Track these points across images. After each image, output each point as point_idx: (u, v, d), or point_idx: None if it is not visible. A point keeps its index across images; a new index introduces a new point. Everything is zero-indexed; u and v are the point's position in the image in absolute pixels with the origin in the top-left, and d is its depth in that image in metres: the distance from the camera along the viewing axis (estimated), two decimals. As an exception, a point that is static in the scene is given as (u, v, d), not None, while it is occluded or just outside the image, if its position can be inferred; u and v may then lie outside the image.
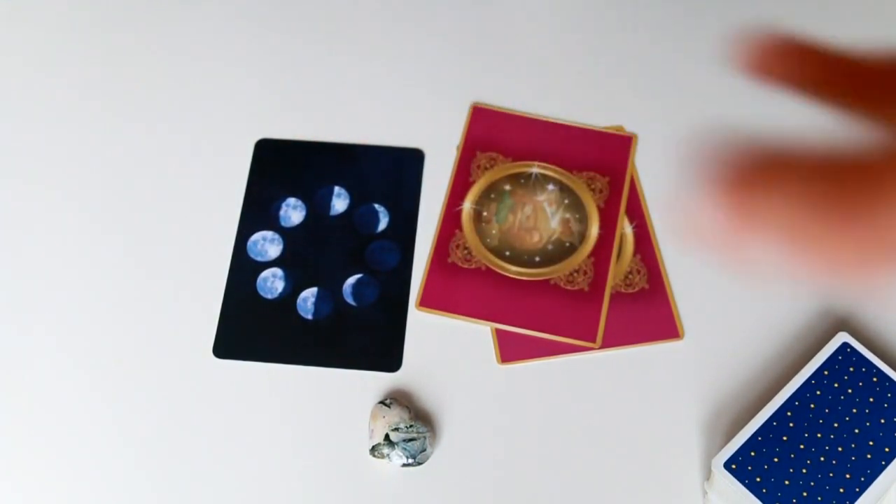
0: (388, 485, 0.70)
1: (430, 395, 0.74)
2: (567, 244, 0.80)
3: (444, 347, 0.77)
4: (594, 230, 0.80)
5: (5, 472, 0.72)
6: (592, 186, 0.82)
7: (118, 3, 0.94)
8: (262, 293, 0.79)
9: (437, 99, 0.88)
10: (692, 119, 0.85)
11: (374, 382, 0.75)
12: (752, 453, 0.63)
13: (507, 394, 0.74)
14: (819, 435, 0.64)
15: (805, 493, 0.62)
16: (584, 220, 0.80)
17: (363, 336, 0.77)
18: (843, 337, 0.68)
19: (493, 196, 0.82)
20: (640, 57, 0.89)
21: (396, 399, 0.73)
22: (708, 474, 0.70)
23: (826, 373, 0.67)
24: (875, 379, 0.66)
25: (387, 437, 0.69)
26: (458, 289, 0.79)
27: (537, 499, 0.70)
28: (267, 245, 0.82)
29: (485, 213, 0.81)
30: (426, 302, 0.78)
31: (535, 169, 0.83)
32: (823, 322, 0.76)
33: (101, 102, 0.89)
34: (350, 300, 0.79)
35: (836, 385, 0.66)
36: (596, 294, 0.77)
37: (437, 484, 0.71)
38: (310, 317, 0.78)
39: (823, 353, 0.67)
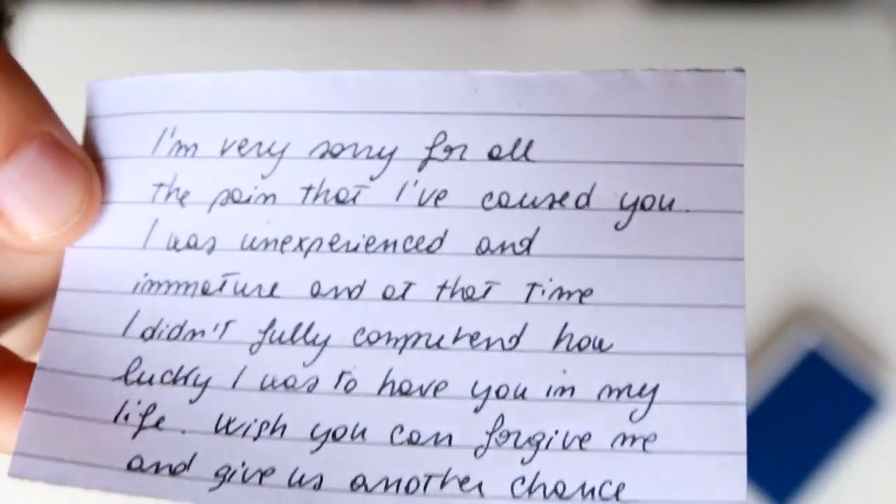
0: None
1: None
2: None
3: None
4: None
5: None
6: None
7: None
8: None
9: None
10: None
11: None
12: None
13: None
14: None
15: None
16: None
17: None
18: (807, 338, 0.69)
19: None
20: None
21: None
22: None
23: (790, 380, 0.68)
24: (843, 388, 0.68)
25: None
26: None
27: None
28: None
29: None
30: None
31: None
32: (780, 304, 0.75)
33: None
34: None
35: (798, 396, 0.68)
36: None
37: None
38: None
39: (787, 357, 0.69)
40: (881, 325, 0.71)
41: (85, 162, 0.26)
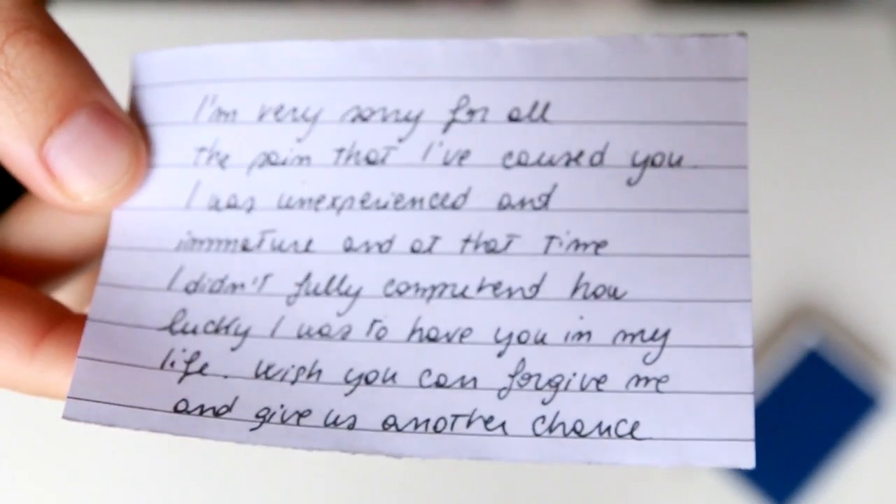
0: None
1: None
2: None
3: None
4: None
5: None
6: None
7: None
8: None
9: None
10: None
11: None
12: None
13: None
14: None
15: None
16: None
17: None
18: (807, 338, 0.69)
19: None
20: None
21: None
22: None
23: (789, 381, 0.68)
24: (843, 388, 0.68)
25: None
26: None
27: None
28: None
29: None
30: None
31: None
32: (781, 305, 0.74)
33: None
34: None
35: (798, 394, 0.68)
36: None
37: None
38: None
39: (786, 357, 0.69)
40: (881, 326, 0.71)
41: (131, 127, 0.28)
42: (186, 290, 0.28)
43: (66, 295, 0.31)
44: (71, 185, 0.27)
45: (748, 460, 0.26)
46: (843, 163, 0.77)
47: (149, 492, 0.68)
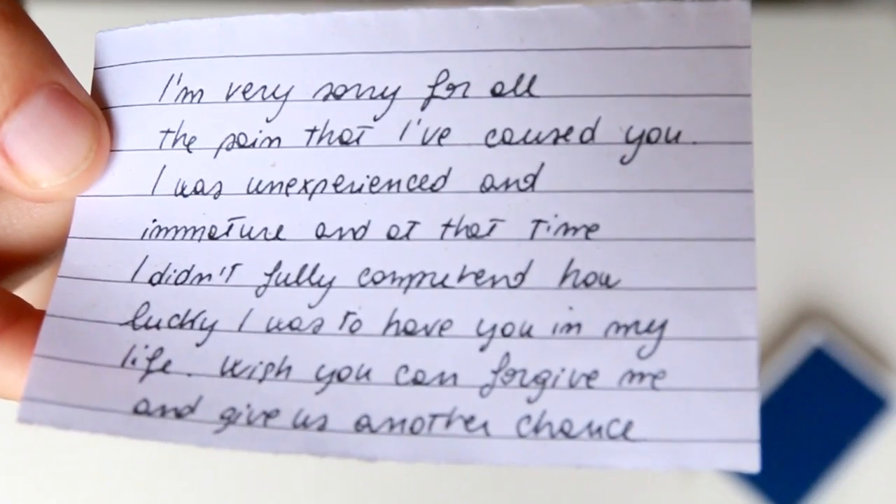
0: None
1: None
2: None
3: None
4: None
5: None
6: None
7: None
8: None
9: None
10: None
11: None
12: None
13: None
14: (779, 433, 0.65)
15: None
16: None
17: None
18: (814, 336, 0.68)
19: None
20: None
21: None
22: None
23: (795, 379, 0.67)
24: (850, 388, 0.66)
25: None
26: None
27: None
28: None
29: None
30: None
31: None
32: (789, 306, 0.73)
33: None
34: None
35: (804, 393, 0.66)
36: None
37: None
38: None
39: (792, 355, 0.67)
40: (889, 328, 0.70)
41: (93, 110, 0.27)
42: (151, 281, 0.27)
43: (29, 290, 0.30)
44: (28, 171, 0.26)
45: (752, 463, 0.24)
46: (852, 161, 0.75)
47: (135, 486, 0.68)
